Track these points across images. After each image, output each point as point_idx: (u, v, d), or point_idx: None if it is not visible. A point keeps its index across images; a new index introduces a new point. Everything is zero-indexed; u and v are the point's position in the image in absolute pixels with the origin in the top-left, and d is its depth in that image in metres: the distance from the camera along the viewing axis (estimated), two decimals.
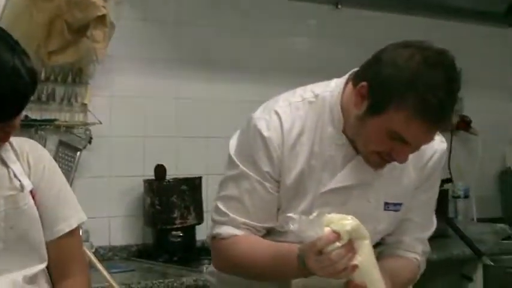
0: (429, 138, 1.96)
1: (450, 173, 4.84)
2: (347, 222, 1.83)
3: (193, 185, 3.82)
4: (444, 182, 4.71)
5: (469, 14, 4.99)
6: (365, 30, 4.36)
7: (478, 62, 5.05)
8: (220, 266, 2.18)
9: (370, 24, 4.43)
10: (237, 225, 2.06)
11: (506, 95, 5.14)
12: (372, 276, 1.87)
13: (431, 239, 4.33)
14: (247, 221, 2.05)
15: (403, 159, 1.97)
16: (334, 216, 1.85)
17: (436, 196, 2.28)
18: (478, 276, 4.05)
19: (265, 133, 2.02)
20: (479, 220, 4.89)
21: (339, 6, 4.46)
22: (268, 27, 4.24)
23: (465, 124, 5.01)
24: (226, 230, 2.07)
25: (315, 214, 1.87)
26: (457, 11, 4.92)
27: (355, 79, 1.99)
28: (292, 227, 1.90)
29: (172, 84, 3.95)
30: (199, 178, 3.87)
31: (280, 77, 3.96)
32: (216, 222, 2.10)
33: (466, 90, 5.49)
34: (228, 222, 2.07)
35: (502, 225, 4.70)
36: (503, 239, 4.52)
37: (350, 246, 1.83)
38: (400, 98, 1.87)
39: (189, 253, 3.74)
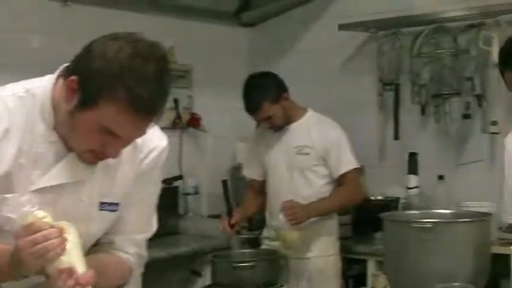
0: (141, 132, 1.96)
1: (181, 170, 4.99)
2: (39, 212, 1.90)
3: None
4: (175, 179, 4.87)
5: (200, 12, 5.19)
6: (95, 27, 4.38)
7: (209, 60, 5.27)
8: None
9: (101, 22, 4.47)
10: None
11: (236, 92, 5.34)
12: (78, 259, 1.91)
13: (162, 236, 4.49)
14: None
15: (115, 154, 2.00)
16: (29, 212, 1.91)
17: (155, 197, 2.25)
18: (207, 271, 4.23)
19: None
20: (210, 216, 5.07)
21: (68, 3, 4.50)
22: None
23: (195, 121, 5.18)
24: None
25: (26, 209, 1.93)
26: (188, 9, 5.10)
27: (66, 73, 1.95)
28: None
29: None
30: None
31: (10, 74, 3.87)
32: None
33: (196, 88, 5.75)
34: None
35: None
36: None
37: (56, 230, 1.86)
38: (110, 92, 1.85)
39: None
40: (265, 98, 4.11)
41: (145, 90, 1.85)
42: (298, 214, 4.04)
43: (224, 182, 4.24)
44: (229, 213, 4.20)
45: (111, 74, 1.85)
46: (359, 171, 4.30)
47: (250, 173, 4.48)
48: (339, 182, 4.19)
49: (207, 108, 5.23)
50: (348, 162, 4.18)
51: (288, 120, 4.21)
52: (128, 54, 1.86)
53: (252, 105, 4.15)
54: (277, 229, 4.16)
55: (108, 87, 1.85)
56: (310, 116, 4.27)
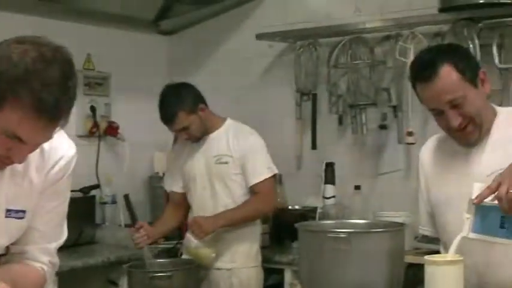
0: (46, 137, 1.95)
1: (98, 179, 4.95)
2: None
3: None
4: (91, 188, 4.83)
5: (119, 20, 5.16)
6: (12, 33, 4.32)
7: (127, 68, 5.25)
8: None
9: (16, 28, 4.35)
10: None
11: (155, 101, 5.33)
12: None
13: (78, 246, 4.46)
14: None
15: (21, 159, 1.98)
16: None
17: (65, 205, 2.26)
18: (124, 281, 4.20)
19: None
20: (127, 225, 5.04)
21: None
22: None
23: (113, 129, 5.13)
24: None
25: None
26: (106, 16, 5.07)
27: None
28: None
29: None
30: None
31: None
32: None
33: (115, 96, 5.69)
34: None
35: None
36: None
37: None
38: (14, 96, 1.83)
39: None
40: (181, 108, 4.11)
41: (50, 94, 1.84)
42: (202, 227, 4.05)
43: (126, 197, 4.21)
44: (134, 225, 4.17)
45: (15, 77, 1.83)
46: (274, 180, 4.31)
47: (170, 185, 4.46)
48: (253, 190, 4.21)
49: (125, 116, 5.20)
50: (262, 172, 4.19)
51: (206, 131, 4.22)
52: (33, 58, 1.84)
53: (167, 115, 4.15)
54: (189, 248, 4.15)
55: (12, 91, 1.83)
56: (228, 124, 4.28)
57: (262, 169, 4.20)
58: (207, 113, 4.21)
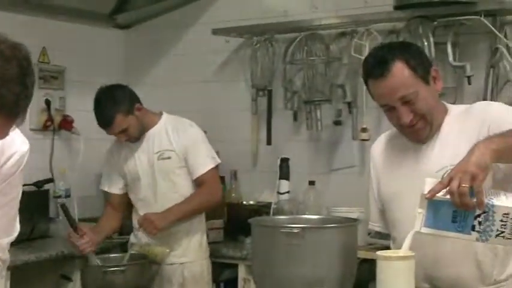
0: (4, 133, 1.94)
1: (52, 173, 4.92)
2: None
3: None
4: (45, 182, 4.80)
5: (74, 13, 5.13)
6: None
7: (83, 62, 5.23)
8: None
9: None
10: None
11: None
12: None
13: (32, 240, 4.44)
14: None
15: None
16: None
17: (17, 200, 2.27)
18: (78, 275, 4.19)
19: None
20: (81, 220, 5.01)
21: None
22: None
23: (67, 123, 5.11)
24: None
25: None
26: (62, 9, 5.04)
27: None
28: None
29: None
30: None
31: None
32: None
33: (69, 90, 5.65)
34: None
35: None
36: None
37: None
38: None
39: None
40: (118, 110, 4.06)
41: (8, 91, 1.83)
42: (154, 223, 4.03)
43: (63, 206, 4.17)
44: (76, 232, 4.10)
45: None
46: (217, 169, 4.29)
47: (109, 187, 4.40)
48: (198, 182, 4.20)
49: (80, 110, 5.17)
50: (205, 163, 4.19)
51: (144, 129, 4.18)
52: None
53: (104, 119, 4.09)
54: (142, 246, 4.14)
55: None
56: (166, 119, 4.25)
57: (205, 160, 4.19)
58: (143, 112, 4.17)
